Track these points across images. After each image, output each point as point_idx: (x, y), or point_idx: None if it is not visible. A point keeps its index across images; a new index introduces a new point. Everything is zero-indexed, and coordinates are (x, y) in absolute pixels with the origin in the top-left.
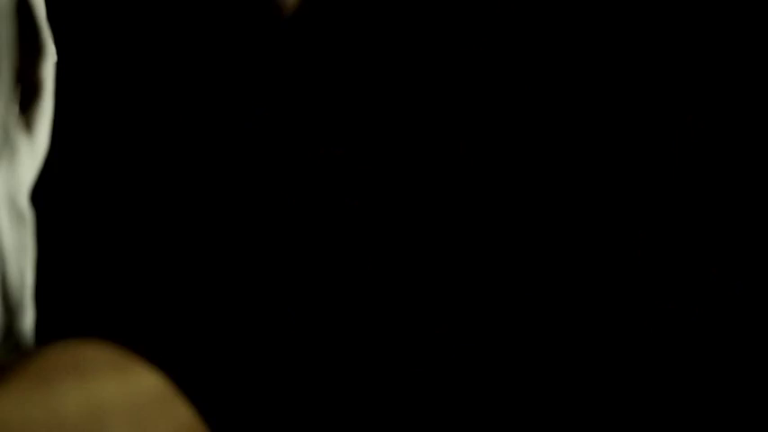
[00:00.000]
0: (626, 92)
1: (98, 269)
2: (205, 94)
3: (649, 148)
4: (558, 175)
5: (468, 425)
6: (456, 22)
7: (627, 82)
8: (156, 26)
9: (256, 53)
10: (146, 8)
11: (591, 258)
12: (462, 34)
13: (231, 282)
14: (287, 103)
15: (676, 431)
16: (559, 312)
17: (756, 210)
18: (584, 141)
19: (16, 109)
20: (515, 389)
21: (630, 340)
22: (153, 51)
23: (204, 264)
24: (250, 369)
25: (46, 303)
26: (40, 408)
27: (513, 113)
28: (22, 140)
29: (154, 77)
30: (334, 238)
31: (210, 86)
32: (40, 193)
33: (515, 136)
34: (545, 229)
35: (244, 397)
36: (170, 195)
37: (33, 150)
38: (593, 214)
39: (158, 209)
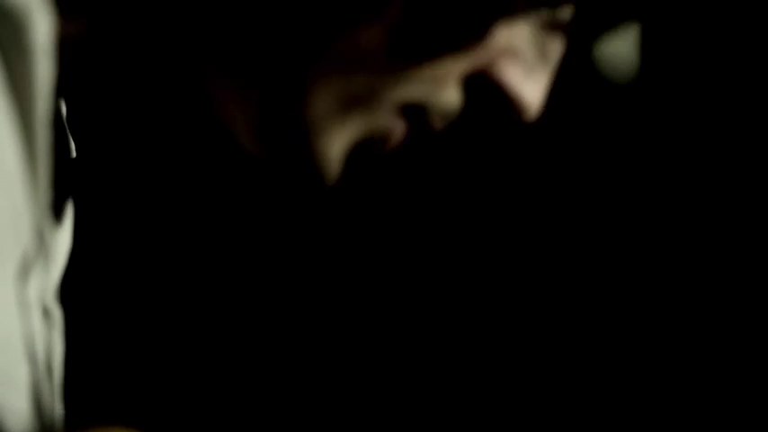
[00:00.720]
0: (625, 94)
1: (121, 358)
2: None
3: (649, 150)
4: (558, 176)
5: (467, 425)
6: None
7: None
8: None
9: None
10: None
11: (591, 258)
12: None
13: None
14: None
15: (676, 431)
16: (559, 312)
17: (756, 210)
18: (583, 142)
19: (51, 213)
20: (515, 389)
21: (630, 340)
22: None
23: (219, 342)
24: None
25: (72, 394)
26: None
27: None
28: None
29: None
30: (332, 238)
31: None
32: (65, 290)
33: (513, 136)
34: (545, 229)
35: None
36: (182, 278)
37: (58, 249)
38: (594, 215)
39: (174, 293)
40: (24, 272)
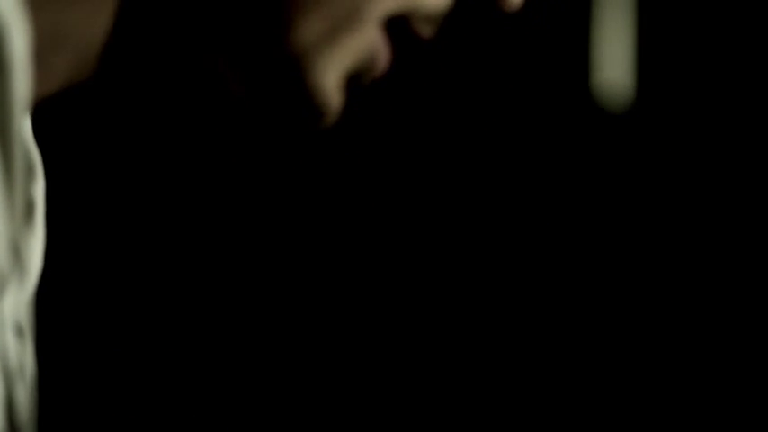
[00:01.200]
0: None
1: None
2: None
3: (649, 151)
4: (558, 178)
5: (467, 425)
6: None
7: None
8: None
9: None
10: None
11: (591, 258)
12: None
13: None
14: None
15: (676, 431)
16: (559, 312)
17: (756, 210)
18: (583, 143)
19: (27, 230)
20: (515, 389)
21: (630, 340)
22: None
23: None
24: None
25: (49, 411)
26: None
27: (510, 113)
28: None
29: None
30: (331, 238)
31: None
32: (37, 306)
33: (512, 136)
34: (546, 230)
35: None
36: (160, 282)
37: (32, 263)
38: (594, 215)
39: (146, 295)
40: None
